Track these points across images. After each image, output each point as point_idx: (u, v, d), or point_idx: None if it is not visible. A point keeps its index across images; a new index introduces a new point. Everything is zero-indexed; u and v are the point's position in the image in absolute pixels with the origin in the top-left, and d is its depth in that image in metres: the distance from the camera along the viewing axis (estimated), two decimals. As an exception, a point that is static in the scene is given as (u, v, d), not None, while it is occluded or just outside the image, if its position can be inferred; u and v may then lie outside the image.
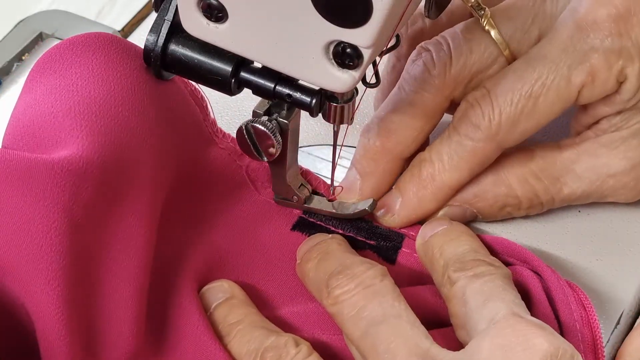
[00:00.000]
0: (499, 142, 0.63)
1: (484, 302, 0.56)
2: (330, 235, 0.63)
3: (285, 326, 0.61)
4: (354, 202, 0.66)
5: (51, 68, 0.58)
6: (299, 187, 0.65)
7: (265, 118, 0.60)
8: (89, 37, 0.59)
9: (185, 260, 0.62)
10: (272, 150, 0.61)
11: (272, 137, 0.60)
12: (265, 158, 0.62)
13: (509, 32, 0.64)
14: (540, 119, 0.62)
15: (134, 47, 0.60)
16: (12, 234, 0.53)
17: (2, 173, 0.54)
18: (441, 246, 0.61)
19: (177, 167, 0.62)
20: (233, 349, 0.59)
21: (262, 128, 0.60)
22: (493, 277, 0.58)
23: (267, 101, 0.61)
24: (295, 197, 0.65)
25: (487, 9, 0.64)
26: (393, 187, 0.66)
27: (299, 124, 0.63)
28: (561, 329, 0.59)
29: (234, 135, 0.62)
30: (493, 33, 0.64)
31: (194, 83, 0.63)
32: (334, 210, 0.65)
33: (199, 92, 0.64)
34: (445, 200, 0.65)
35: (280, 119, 0.61)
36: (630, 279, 0.65)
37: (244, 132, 0.61)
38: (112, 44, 0.59)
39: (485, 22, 0.64)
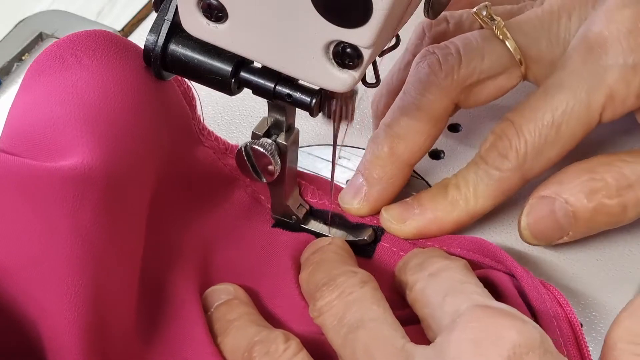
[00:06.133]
0: (525, 171, 0.63)
1: (443, 298, 0.56)
2: (329, 240, 0.63)
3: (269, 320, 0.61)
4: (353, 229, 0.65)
5: (50, 67, 0.58)
6: (298, 207, 0.66)
7: (264, 140, 0.61)
8: (88, 36, 0.59)
9: (177, 257, 0.63)
10: (271, 171, 0.61)
11: (271, 158, 0.61)
12: (264, 179, 0.62)
13: (524, 44, 0.64)
14: (564, 145, 0.63)
15: (133, 46, 0.60)
16: (12, 241, 0.53)
17: (2, 179, 0.53)
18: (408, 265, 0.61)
19: (169, 165, 0.62)
20: (227, 345, 0.59)
21: (261, 150, 0.61)
22: (450, 272, 0.57)
23: (266, 122, 0.61)
24: (294, 217, 0.65)
25: (499, 19, 0.64)
26: (410, 198, 0.65)
27: (297, 146, 0.63)
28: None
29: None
30: (509, 43, 0.64)
31: (187, 81, 0.63)
32: (329, 235, 0.65)
33: (191, 89, 0.64)
34: (462, 227, 0.65)
35: (279, 141, 0.61)
36: (630, 279, 0.65)
37: (243, 153, 0.61)
38: (112, 43, 0.59)
39: (499, 32, 0.64)
